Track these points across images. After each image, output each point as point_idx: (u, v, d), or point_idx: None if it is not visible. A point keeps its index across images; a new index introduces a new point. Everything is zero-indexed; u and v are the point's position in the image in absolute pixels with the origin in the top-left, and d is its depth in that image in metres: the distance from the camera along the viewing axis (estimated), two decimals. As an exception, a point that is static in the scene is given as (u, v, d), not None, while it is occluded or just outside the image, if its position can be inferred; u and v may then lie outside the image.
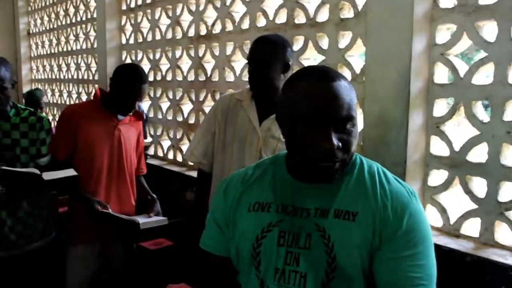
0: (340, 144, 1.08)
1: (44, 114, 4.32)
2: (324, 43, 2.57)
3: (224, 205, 1.29)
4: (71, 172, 2.42)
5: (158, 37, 4.04)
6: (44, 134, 2.50)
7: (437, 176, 2.13)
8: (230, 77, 3.27)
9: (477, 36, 1.94)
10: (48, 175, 2.32)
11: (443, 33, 2.07)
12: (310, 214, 1.16)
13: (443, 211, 2.09)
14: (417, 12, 2.00)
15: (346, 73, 2.45)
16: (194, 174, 3.16)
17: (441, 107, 2.10)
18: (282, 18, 2.82)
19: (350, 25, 2.40)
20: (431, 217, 2.15)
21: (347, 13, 2.44)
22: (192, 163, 3.36)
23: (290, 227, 1.17)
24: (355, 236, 1.11)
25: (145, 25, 4.24)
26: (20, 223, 2.43)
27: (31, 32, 7.30)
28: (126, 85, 2.48)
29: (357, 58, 2.47)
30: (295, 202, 1.19)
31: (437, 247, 1.90)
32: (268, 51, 2.05)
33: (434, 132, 2.10)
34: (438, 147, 2.12)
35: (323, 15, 2.56)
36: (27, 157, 2.44)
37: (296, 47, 2.72)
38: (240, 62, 3.20)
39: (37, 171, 2.34)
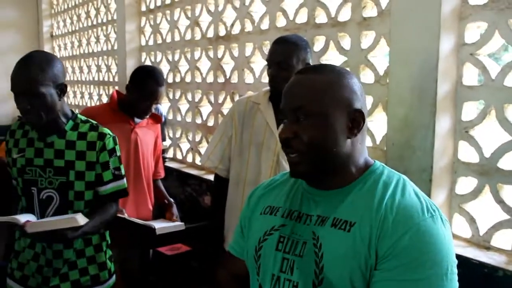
0: (292, 135, 1.09)
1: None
2: (346, 43, 2.48)
3: (246, 208, 1.32)
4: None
5: (177, 38, 3.99)
6: (107, 156, 1.91)
7: (466, 184, 2.01)
8: (249, 78, 3.19)
9: (511, 34, 1.82)
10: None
11: (473, 32, 1.96)
12: (312, 221, 1.12)
13: (471, 221, 1.97)
14: (444, 10, 1.89)
15: (369, 74, 2.35)
16: (212, 177, 3.11)
17: (470, 110, 1.98)
18: (302, 17, 2.74)
19: (373, 24, 2.30)
20: (458, 227, 2.03)
21: (370, 11, 2.34)
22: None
23: (290, 233, 1.14)
24: (346, 248, 1.03)
25: (164, 26, 4.20)
26: None
27: (54, 34, 7.36)
28: (142, 88, 2.43)
29: (380, 58, 2.36)
30: (302, 208, 1.16)
31: (465, 260, 1.81)
32: (288, 52, 1.98)
33: (462, 136, 1.99)
34: (467, 153, 2.00)
35: (345, 14, 2.47)
36: (82, 185, 1.89)
37: (317, 47, 2.63)
38: (259, 63, 3.12)
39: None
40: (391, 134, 2.10)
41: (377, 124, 2.36)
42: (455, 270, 1.01)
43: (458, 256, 1.77)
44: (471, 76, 1.98)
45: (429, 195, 1.93)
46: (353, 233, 1.03)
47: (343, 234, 1.04)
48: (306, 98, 1.09)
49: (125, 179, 2.02)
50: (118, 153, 1.98)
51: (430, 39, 1.91)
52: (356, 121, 1.10)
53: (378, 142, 2.33)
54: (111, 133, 1.97)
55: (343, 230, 1.05)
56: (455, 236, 2.03)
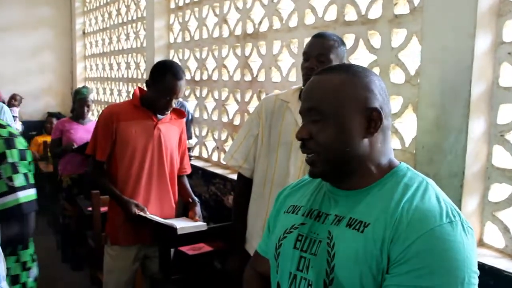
0: (307, 136, 1.09)
1: (91, 112, 4.35)
2: (376, 41, 2.39)
3: (274, 208, 1.33)
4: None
5: (205, 35, 3.96)
6: None
7: (500, 191, 1.90)
8: (276, 77, 3.13)
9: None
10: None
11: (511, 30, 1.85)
12: (329, 220, 1.11)
13: (505, 230, 1.86)
14: (481, 6, 1.78)
15: (400, 74, 2.26)
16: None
17: (506, 113, 1.87)
18: (331, 15, 2.66)
19: (405, 22, 2.21)
20: (490, 236, 1.93)
21: (402, 8, 2.25)
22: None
23: (308, 232, 1.13)
24: (358, 249, 1.00)
25: (193, 24, 4.18)
26: None
27: (86, 31, 7.46)
28: (161, 83, 2.40)
29: (411, 58, 2.27)
30: (322, 207, 1.16)
31: (497, 272, 1.71)
32: (328, 46, 1.92)
33: (497, 141, 1.88)
34: (502, 158, 1.89)
35: (376, 12, 2.38)
36: None
37: (347, 46, 2.54)
38: (287, 61, 3.06)
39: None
40: (421, 137, 2.00)
41: (407, 126, 2.27)
42: (475, 281, 0.95)
43: (490, 268, 1.70)
44: (508, 76, 1.86)
45: (460, 201, 1.83)
46: (366, 234, 1.01)
47: (356, 234, 1.03)
48: (318, 99, 1.09)
49: (21, 193, 1.58)
50: (11, 159, 1.57)
51: (464, 37, 1.81)
52: (373, 120, 1.07)
53: (407, 145, 2.23)
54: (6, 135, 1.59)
55: (357, 230, 1.03)
56: (487, 246, 1.93)
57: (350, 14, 2.54)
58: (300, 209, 1.20)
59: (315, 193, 1.21)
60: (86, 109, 4.32)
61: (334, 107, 1.07)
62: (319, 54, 1.92)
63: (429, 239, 0.95)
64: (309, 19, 2.81)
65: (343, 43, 1.98)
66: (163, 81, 2.39)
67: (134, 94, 2.56)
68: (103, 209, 3.10)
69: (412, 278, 0.94)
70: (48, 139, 5.80)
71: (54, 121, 6.19)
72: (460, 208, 1.79)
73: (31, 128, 6.76)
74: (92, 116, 4.53)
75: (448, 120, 1.88)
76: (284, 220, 1.23)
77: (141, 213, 2.44)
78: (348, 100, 1.07)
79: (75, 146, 4.20)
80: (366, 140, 1.08)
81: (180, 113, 2.68)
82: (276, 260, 1.19)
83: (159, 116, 2.54)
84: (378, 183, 1.08)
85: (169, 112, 2.52)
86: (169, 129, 2.60)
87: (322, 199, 1.17)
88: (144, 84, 2.54)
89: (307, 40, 2.05)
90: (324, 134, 1.07)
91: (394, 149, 2.26)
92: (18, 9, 7.18)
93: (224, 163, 3.64)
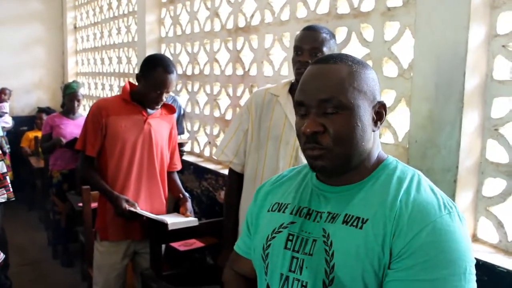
0: (321, 129, 1.01)
1: (82, 107, 4.31)
2: (369, 34, 2.36)
3: (253, 205, 1.27)
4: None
5: (196, 29, 3.92)
6: None
7: (494, 185, 1.87)
8: (268, 71, 3.10)
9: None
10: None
11: (506, 22, 1.82)
12: (322, 218, 1.06)
13: (499, 225, 1.84)
14: (475, -2, 1.76)
15: (392, 67, 2.23)
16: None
17: (500, 106, 1.85)
18: (323, 8, 2.62)
19: (398, 15, 2.18)
20: (484, 231, 1.91)
21: (395, 1, 2.22)
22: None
23: (299, 231, 1.09)
24: (359, 246, 0.97)
25: (184, 17, 4.13)
26: None
27: (77, 26, 7.39)
28: (151, 76, 2.36)
29: (404, 51, 2.24)
30: (312, 204, 1.11)
31: (491, 267, 1.68)
32: (321, 39, 1.89)
33: (491, 135, 1.86)
34: (496, 153, 1.86)
35: (368, 4, 2.35)
36: None
37: (338, 39, 2.51)
38: (279, 55, 3.02)
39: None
40: (414, 131, 1.98)
41: (400, 120, 2.24)
42: (473, 271, 0.95)
43: (484, 263, 1.68)
44: (502, 69, 1.84)
45: (453, 196, 1.81)
46: (365, 230, 0.99)
47: (354, 231, 1.00)
48: (336, 89, 1.02)
49: None
50: None
51: (458, 30, 1.79)
52: (380, 113, 1.06)
53: (400, 139, 2.21)
54: None
55: (355, 226, 1.00)
56: (480, 242, 1.91)
57: (343, 7, 2.51)
58: (287, 207, 1.15)
59: (301, 190, 1.16)
60: (76, 103, 4.28)
61: (352, 98, 1.01)
62: (313, 47, 1.89)
63: (432, 232, 0.94)
64: (301, 12, 2.78)
65: (333, 36, 1.96)
66: (154, 74, 2.35)
67: (124, 88, 2.53)
68: (94, 205, 3.07)
69: (417, 272, 0.93)
70: (39, 134, 5.75)
71: (44, 116, 6.13)
72: (453, 203, 1.77)
73: (22, 123, 6.70)
74: (83, 111, 4.48)
75: (441, 114, 1.85)
76: (270, 219, 1.17)
77: (132, 209, 2.41)
78: (363, 92, 1.03)
79: (65, 141, 4.16)
80: (372, 134, 1.06)
81: (170, 108, 2.64)
82: (264, 261, 1.14)
83: (149, 111, 2.51)
84: (370, 178, 1.06)
85: (159, 106, 2.48)
86: (159, 124, 2.56)
87: (310, 196, 1.13)
88: (135, 79, 2.50)
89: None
90: (341, 127, 1.01)
91: (387, 144, 2.25)
92: (9, 3, 7.10)
93: (214, 157, 3.63)
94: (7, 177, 2.06)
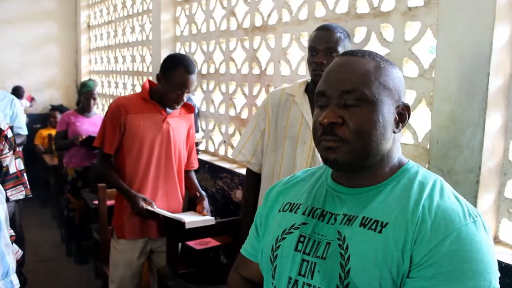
0: (340, 120, 0.98)
1: (96, 105, 4.33)
2: (389, 34, 2.35)
3: (263, 206, 1.24)
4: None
5: (212, 28, 3.92)
6: None
7: (516, 187, 1.86)
8: (285, 70, 3.09)
9: None
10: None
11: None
12: (337, 220, 1.01)
13: (522, 227, 1.83)
14: (500, -2, 1.74)
15: (413, 67, 2.22)
16: (244, 171, 3.05)
17: (524, 108, 1.84)
18: (343, 7, 2.62)
19: (419, 15, 2.17)
20: (506, 233, 1.89)
21: (416, 1, 2.21)
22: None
23: (311, 232, 1.04)
24: (377, 251, 0.93)
25: (200, 16, 4.14)
26: None
27: (90, 24, 7.42)
28: (172, 77, 2.36)
29: (425, 51, 2.23)
30: (325, 206, 1.07)
31: (515, 270, 1.68)
32: (335, 39, 1.89)
33: (514, 136, 1.84)
34: (519, 154, 1.85)
35: (389, 4, 2.34)
36: None
37: (358, 39, 2.51)
38: (296, 55, 3.01)
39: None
40: (436, 132, 1.96)
41: (420, 121, 2.23)
42: (498, 285, 0.91)
43: (506, 265, 1.67)
44: (526, 70, 1.83)
45: (475, 197, 1.79)
46: (384, 235, 0.94)
47: (373, 234, 0.95)
48: (360, 81, 0.98)
49: None
50: None
51: (482, 30, 1.77)
52: (403, 115, 1.03)
53: (420, 140, 2.20)
54: None
55: (374, 230, 0.96)
56: (502, 244, 1.90)
57: (362, 7, 2.50)
58: (300, 207, 1.11)
59: (314, 191, 1.12)
60: (92, 102, 4.30)
61: (376, 92, 0.98)
62: (327, 48, 1.89)
63: (456, 241, 0.89)
64: (320, 11, 2.77)
65: (348, 35, 1.95)
66: (175, 75, 2.36)
67: (143, 87, 2.53)
68: (109, 202, 3.08)
69: (440, 282, 0.88)
70: (52, 132, 5.78)
71: (58, 114, 6.17)
72: (475, 205, 1.77)
73: (35, 121, 6.73)
74: (97, 110, 4.49)
75: (464, 115, 1.84)
76: (281, 219, 1.13)
77: (149, 207, 2.42)
78: (388, 88, 1.00)
79: (80, 139, 4.19)
80: (393, 135, 1.03)
81: (189, 108, 2.65)
82: (272, 263, 1.09)
83: (168, 110, 2.52)
84: (389, 181, 1.02)
85: (179, 106, 2.48)
86: (178, 123, 2.57)
87: (325, 197, 1.09)
88: (152, 77, 2.50)
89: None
90: (361, 120, 0.97)
91: (406, 144, 2.24)
92: (23, 2, 7.14)
93: (232, 157, 3.63)
94: (25, 174, 2.08)
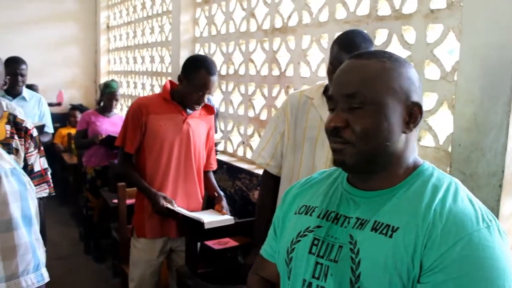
0: (344, 124, 1.00)
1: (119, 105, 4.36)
2: (410, 37, 2.34)
3: (280, 207, 1.25)
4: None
5: (232, 29, 3.94)
6: None
7: (540, 191, 1.84)
8: (305, 72, 3.10)
9: None
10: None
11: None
12: (350, 224, 1.02)
13: (546, 231, 1.81)
14: (526, 0, 1.73)
15: (435, 70, 2.21)
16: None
17: (548, 111, 1.82)
18: (364, 9, 2.61)
19: (441, 17, 2.16)
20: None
21: (439, 3, 2.20)
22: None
23: (325, 235, 1.05)
24: (387, 256, 0.92)
25: (219, 17, 4.16)
26: None
27: (110, 25, 7.50)
28: (194, 78, 2.39)
29: (447, 54, 2.22)
30: (340, 209, 1.07)
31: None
32: (360, 42, 1.87)
33: (538, 139, 1.82)
34: (543, 157, 1.83)
35: (411, 6, 2.33)
36: None
37: (379, 41, 2.50)
38: (316, 56, 3.02)
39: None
40: (458, 134, 1.95)
41: (441, 124, 2.22)
42: None
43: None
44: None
45: (498, 201, 1.78)
46: (395, 239, 0.94)
47: (383, 239, 0.95)
48: (362, 84, 0.99)
49: None
50: None
51: (506, 32, 1.76)
52: (414, 115, 1.01)
53: (441, 143, 2.19)
54: None
55: (384, 235, 0.95)
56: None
57: (384, 9, 2.49)
58: (315, 210, 1.12)
59: (330, 193, 1.12)
60: (114, 103, 4.36)
61: (379, 94, 0.98)
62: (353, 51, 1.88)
63: (467, 246, 0.87)
64: (341, 13, 2.77)
65: (370, 40, 1.93)
66: (196, 76, 2.38)
67: (164, 87, 2.56)
68: (129, 201, 3.12)
69: None
70: (72, 131, 5.85)
71: (77, 113, 6.25)
72: (498, 209, 1.75)
73: (55, 120, 6.80)
74: (116, 110, 4.54)
75: (487, 117, 1.83)
76: (296, 221, 1.14)
77: (169, 206, 2.44)
78: (393, 90, 0.99)
79: (101, 138, 4.24)
80: (403, 136, 1.01)
81: (209, 109, 2.67)
82: (287, 265, 1.10)
83: (189, 111, 2.54)
84: (403, 184, 1.01)
85: (200, 107, 2.51)
86: (198, 124, 2.59)
87: (340, 200, 1.09)
88: (171, 78, 2.53)
89: (338, 35, 2.00)
90: (365, 123, 0.98)
91: (427, 147, 2.23)
92: (44, 3, 7.24)
93: (251, 159, 3.64)
94: (49, 173, 2.12)
